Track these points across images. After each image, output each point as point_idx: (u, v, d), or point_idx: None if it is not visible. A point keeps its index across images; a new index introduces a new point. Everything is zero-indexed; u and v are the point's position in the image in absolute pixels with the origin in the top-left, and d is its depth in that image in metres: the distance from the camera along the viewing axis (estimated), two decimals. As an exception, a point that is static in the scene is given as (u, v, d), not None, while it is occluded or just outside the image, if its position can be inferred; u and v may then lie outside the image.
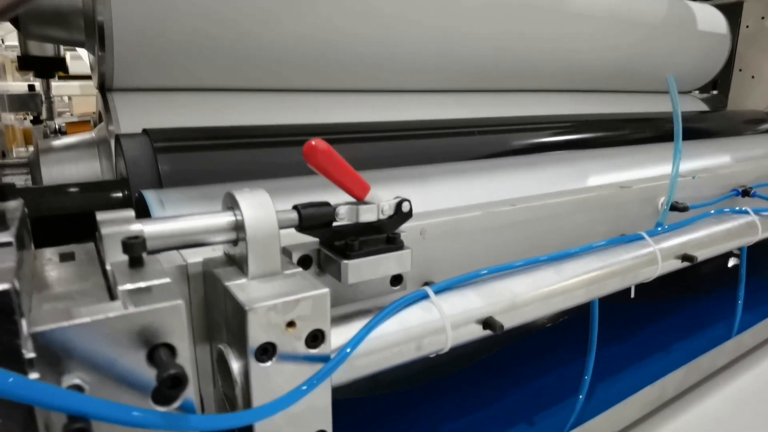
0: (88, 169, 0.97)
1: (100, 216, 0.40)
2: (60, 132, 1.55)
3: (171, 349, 0.29)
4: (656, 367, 0.97)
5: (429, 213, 0.64)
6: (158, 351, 0.28)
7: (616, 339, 1.03)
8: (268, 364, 0.38)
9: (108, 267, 0.35)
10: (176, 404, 0.29)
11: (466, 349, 0.56)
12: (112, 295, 0.33)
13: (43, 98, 1.51)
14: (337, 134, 0.90)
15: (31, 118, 1.51)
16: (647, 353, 1.02)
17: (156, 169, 0.71)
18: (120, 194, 0.72)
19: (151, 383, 0.29)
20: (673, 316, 1.15)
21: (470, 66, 1.22)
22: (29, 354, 0.26)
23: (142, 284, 0.31)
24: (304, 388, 0.38)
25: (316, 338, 0.40)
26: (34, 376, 0.25)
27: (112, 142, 0.87)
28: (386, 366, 0.50)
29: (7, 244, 0.30)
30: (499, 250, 0.69)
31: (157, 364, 0.28)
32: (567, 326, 1.03)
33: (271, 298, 0.38)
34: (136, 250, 0.33)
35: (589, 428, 0.85)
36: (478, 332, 0.56)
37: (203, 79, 0.99)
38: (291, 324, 0.39)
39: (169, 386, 0.27)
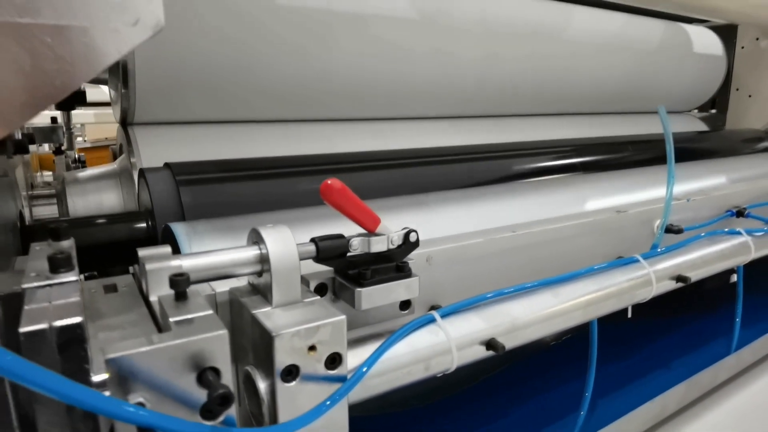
0: (110, 199, 1.01)
1: (142, 252, 0.45)
2: (80, 162, 1.62)
3: (216, 372, 0.34)
4: (657, 384, 1.00)
5: (434, 240, 0.69)
6: (206, 374, 0.33)
7: (618, 356, 1.06)
8: (293, 384, 0.43)
9: (153, 299, 0.40)
10: (220, 419, 0.34)
11: (472, 368, 0.61)
12: (159, 325, 0.38)
13: (64, 130, 1.59)
14: (345, 163, 0.94)
15: (54, 149, 1.58)
16: (648, 370, 1.05)
17: (179, 200, 0.75)
18: (145, 225, 0.77)
19: (200, 401, 0.34)
20: (673, 334, 1.19)
21: (471, 93, 1.27)
22: (98, 377, 0.30)
23: (189, 316, 0.35)
24: (328, 403, 0.42)
25: (334, 360, 0.45)
26: (106, 394, 0.30)
27: (135, 174, 0.92)
28: (397, 385, 0.54)
29: (74, 282, 0.35)
30: (501, 275, 0.73)
31: (206, 385, 0.32)
32: (569, 344, 1.06)
33: (294, 325, 0.43)
34: (181, 285, 0.38)
35: (591, 443, 0.88)
36: (481, 353, 0.60)
37: (219, 113, 1.04)
38: (312, 348, 0.44)
39: (219, 404, 0.31)
